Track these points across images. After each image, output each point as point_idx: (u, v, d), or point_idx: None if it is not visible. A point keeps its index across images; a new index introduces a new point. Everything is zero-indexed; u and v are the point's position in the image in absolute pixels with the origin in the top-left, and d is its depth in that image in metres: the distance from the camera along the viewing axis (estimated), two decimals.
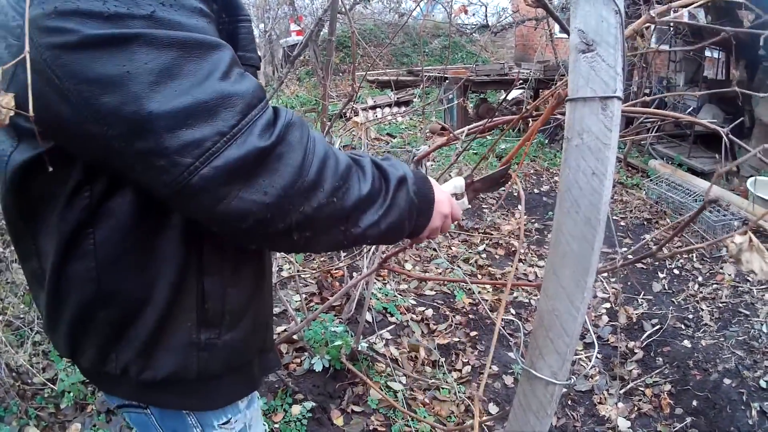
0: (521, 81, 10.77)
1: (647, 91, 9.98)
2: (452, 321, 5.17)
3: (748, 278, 5.94)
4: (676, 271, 6.34)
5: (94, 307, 1.35)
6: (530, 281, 6.07)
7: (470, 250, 6.55)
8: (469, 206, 1.80)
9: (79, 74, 1.04)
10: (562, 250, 1.20)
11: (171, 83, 1.06)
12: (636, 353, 5.00)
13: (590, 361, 4.85)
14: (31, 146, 1.22)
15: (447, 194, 1.63)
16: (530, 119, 1.92)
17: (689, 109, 10.09)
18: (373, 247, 3.97)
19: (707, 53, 10.66)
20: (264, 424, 2.14)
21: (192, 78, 1.08)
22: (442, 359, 4.58)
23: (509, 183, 1.81)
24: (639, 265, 6.44)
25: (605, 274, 6.08)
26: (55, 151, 1.18)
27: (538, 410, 1.37)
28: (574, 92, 1.14)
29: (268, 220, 1.17)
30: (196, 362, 1.44)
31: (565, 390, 4.38)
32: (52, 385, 3.64)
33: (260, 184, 1.13)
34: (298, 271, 4.82)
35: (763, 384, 4.35)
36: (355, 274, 5.07)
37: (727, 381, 4.41)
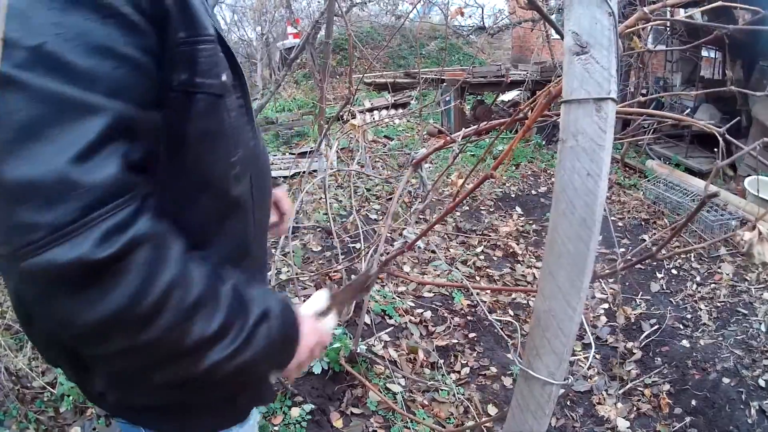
0: (510, 82, 10.79)
1: (644, 91, 9.98)
2: (451, 323, 5.18)
3: (746, 278, 5.95)
4: (674, 271, 6.34)
5: (59, 337, 1.29)
6: (529, 282, 6.08)
7: (468, 252, 6.55)
8: (338, 321, 1.70)
9: None
10: (557, 251, 1.21)
11: (30, 145, 0.92)
12: (635, 353, 5.01)
13: (588, 362, 4.85)
14: None
15: (312, 323, 1.51)
16: (525, 121, 1.93)
17: (686, 110, 10.09)
18: (372, 250, 3.96)
19: (704, 53, 10.67)
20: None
21: (51, 146, 0.93)
22: (441, 361, 4.58)
23: (495, 182, 1.82)
24: (637, 265, 6.44)
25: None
26: None
27: (536, 410, 1.38)
28: (568, 94, 1.14)
29: (87, 338, 1.05)
30: (176, 398, 1.39)
31: (563, 390, 4.39)
32: (51, 389, 3.65)
33: (84, 298, 0.98)
34: (296, 274, 4.83)
35: (761, 383, 4.36)
36: (353, 276, 5.07)
37: (725, 380, 4.41)
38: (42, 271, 0.93)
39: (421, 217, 6.83)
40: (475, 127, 2.14)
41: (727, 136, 1.67)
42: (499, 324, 5.18)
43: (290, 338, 1.38)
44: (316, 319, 1.55)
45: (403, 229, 4.51)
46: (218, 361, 1.16)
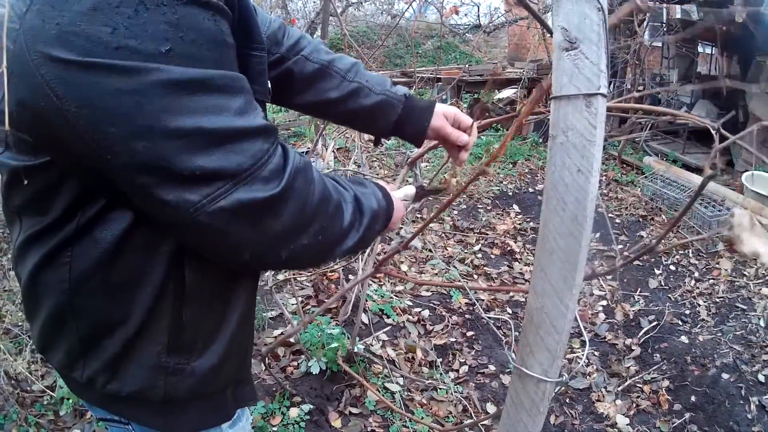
0: (507, 80, 10.79)
1: (641, 87, 9.99)
2: (448, 321, 5.18)
3: (745, 273, 5.95)
4: (673, 267, 6.34)
5: (63, 316, 1.35)
6: (526, 280, 6.08)
7: (466, 251, 6.55)
8: (415, 205, 1.96)
9: (82, 98, 0.99)
10: (549, 248, 1.20)
11: (185, 119, 1.02)
12: (633, 350, 5.01)
13: (587, 359, 4.85)
14: (24, 156, 1.20)
15: (400, 204, 1.70)
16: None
17: (683, 106, 10.11)
18: (368, 249, 3.96)
19: (700, 49, 10.68)
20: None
21: (206, 115, 1.04)
22: (439, 360, 4.58)
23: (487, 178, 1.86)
24: (635, 261, 6.45)
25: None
26: (48, 166, 1.18)
27: (531, 408, 1.37)
28: (558, 90, 1.14)
29: (262, 254, 1.21)
30: (163, 385, 1.42)
31: (562, 388, 4.39)
32: (51, 393, 3.65)
33: (262, 225, 1.15)
34: (293, 274, 4.82)
35: (761, 378, 4.37)
36: (350, 276, 5.08)
37: (725, 376, 4.42)
38: (228, 213, 1.08)
39: (418, 216, 6.83)
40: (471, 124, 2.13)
41: (722, 131, 1.67)
42: (496, 322, 5.17)
43: (389, 216, 1.60)
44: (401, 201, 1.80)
45: (400, 228, 4.51)
46: (348, 248, 1.41)
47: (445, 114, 1.95)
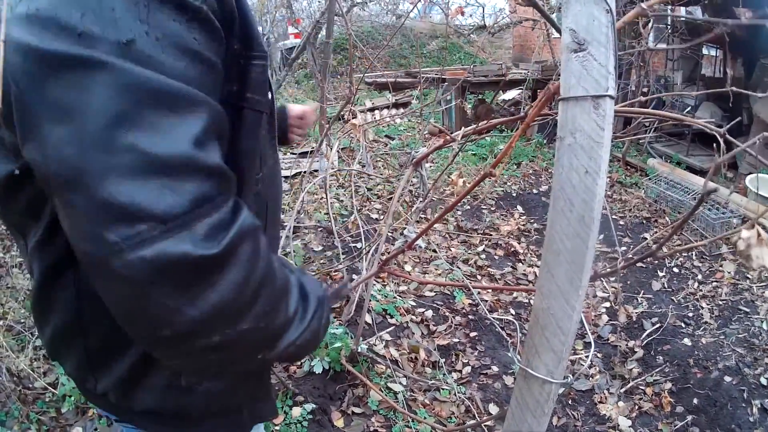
0: (511, 81, 10.78)
1: (645, 89, 9.97)
2: (452, 322, 5.18)
3: (748, 275, 5.95)
4: (676, 270, 6.34)
5: (72, 334, 1.31)
6: (530, 281, 6.08)
7: (469, 251, 6.55)
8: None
9: (36, 89, 0.90)
10: (556, 249, 1.20)
11: (126, 133, 0.88)
12: (636, 352, 5.01)
13: (590, 361, 4.85)
14: (8, 159, 1.11)
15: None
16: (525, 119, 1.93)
17: (687, 108, 10.09)
18: (373, 249, 3.96)
19: (705, 51, 10.67)
20: None
21: (151, 134, 0.90)
22: (442, 360, 4.58)
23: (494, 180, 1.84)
24: (638, 264, 6.45)
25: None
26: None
27: (535, 409, 1.37)
28: (566, 91, 1.14)
29: (189, 335, 1.00)
30: (173, 404, 1.39)
31: (564, 389, 4.39)
32: (53, 390, 3.65)
33: (192, 293, 0.95)
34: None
35: (763, 381, 4.36)
36: (354, 276, 5.07)
37: (727, 379, 4.41)
38: (149, 266, 0.89)
39: (422, 216, 6.83)
40: (475, 126, 2.14)
41: (727, 136, 1.67)
42: (499, 323, 5.17)
43: (328, 322, 1.39)
44: None
45: (404, 228, 4.51)
46: (291, 341, 1.19)
47: (296, 113, 2.30)
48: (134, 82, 0.89)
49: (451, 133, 2.46)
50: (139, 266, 0.88)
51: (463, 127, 2.58)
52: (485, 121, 2.25)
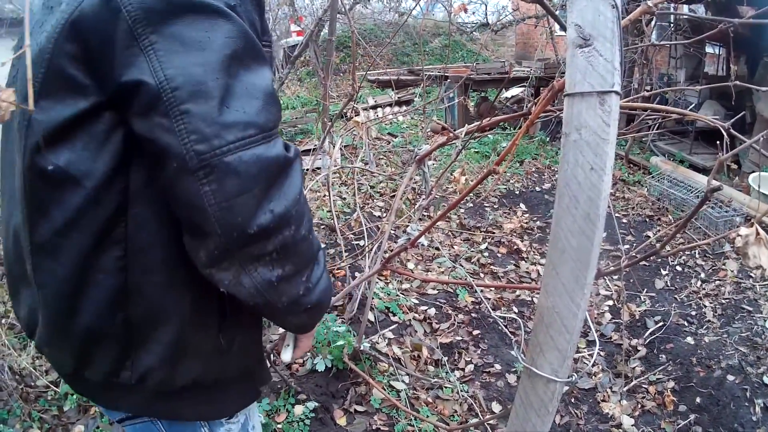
0: (514, 78, 10.77)
1: (648, 87, 9.95)
2: (455, 320, 5.17)
3: (751, 274, 5.93)
4: (679, 268, 6.33)
5: (115, 306, 1.32)
6: (533, 279, 6.07)
7: (472, 249, 6.54)
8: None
9: (162, 24, 1.11)
10: (561, 247, 1.20)
11: (242, 65, 1.17)
12: (639, 350, 5.00)
13: (592, 359, 4.84)
14: (69, 100, 1.20)
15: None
16: (529, 116, 1.92)
17: (690, 106, 10.08)
18: (375, 246, 3.95)
19: (708, 49, 10.65)
20: (259, 415, 2.14)
21: (258, 72, 1.20)
22: (445, 358, 4.58)
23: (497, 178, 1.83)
24: (641, 262, 6.43)
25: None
26: (97, 110, 1.21)
27: (540, 408, 1.37)
28: (571, 87, 1.13)
29: (267, 230, 1.18)
30: (217, 367, 1.46)
31: (568, 388, 4.38)
32: (55, 388, 3.64)
33: (276, 190, 1.19)
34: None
35: (766, 380, 4.35)
36: (357, 273, 5.07)
37: (730, 377, 4.40)
38: (257, 161, 1.14)
39: (425, 213, 6.82)
40: (478, 123, 2.14)
41: (731, 130, 1.66)
42: (503, 321, 5.16)
43: (327, 305, 1.52)
44: None
45: (407, 226, 4.51)
46: (318, 280, 1.39)
47: None
48: (243, 32, 1.18)
49: (454, 131, 2.45)
50: (248, 161, 1.13)
51: (466, 125, 2.57)
52: (488, 119, 2.24)
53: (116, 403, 1.54)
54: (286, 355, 1.72)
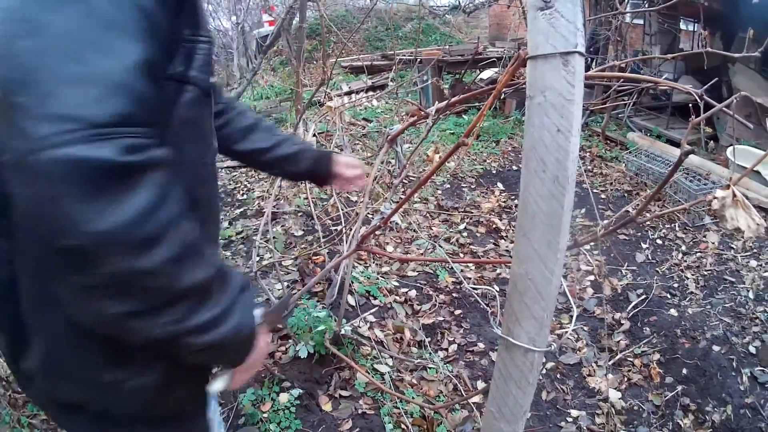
0: (488, 60, 10.79)
1: (623, 65, 9.99)
2: (436, 300, 5.17)
3: (732, 245, 5.98)
4: (659, 241, 6.36)
5: (4, 296, 1.31)
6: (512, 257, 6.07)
7: (451, 230, 6.54)
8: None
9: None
10: (531, 211, 1.18)
11: (79, 56, 1.02)
12: (623, 324, 5.02)
13: (576, 335, 4.85)
14: None
15: (264, 332, 1.48)
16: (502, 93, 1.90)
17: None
18: (352, 231, 3.94)
19: (682, 26, 10.68)
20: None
21: (100, 53, 1.04)
22: (428, 339, 4.57)
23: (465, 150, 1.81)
24: (621, 236, 6.46)
25: (588, 247, 6.08)
26: None
27: (519, 379, 1.35)
28: (533, 50, 1.12)
29: (89, 251, 1.02)
30: (98, 400, 1.39)
31: (552, 363, 4.38)
32: None
33: (99, 204, 1.00)
34: (279, 259, 4.80)
35: (752, 350, 4.38)
36: (318, 270, 5.06)
37: (716, 348, 4.42)
38: (70, 163, 0.96)
39: (401, 193, 6.82)
40: (447, 100, 2.13)
41: (705, 97, 1.65)
42: (481, 296, 5.15)
43: (254, 332, 1.36)
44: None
45: (381, 203, 4.50)
46: (200, 324, 1.17)
47: (344, 161, 2.37)
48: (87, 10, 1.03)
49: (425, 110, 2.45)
50: (60, 162, 0.96)
51: (437, 104, 2.57)
52: (458, 96, 2.25)
53: (23, 386, 1.57)
54: (216, 385, 1.50)
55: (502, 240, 6.49)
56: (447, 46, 12.91)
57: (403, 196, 6.87)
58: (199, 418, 1.65)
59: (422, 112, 2.49)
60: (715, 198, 1.33)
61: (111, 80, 1.02)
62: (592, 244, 1.68)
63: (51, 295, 1.19)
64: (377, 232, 5.91)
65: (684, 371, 4.34)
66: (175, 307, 1.14)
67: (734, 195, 1.33)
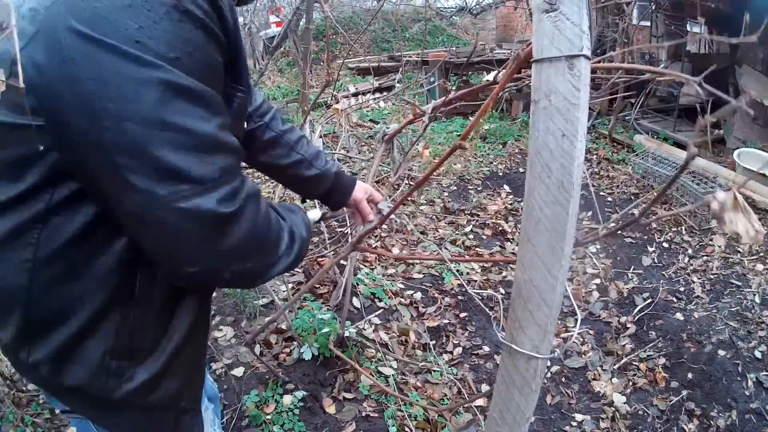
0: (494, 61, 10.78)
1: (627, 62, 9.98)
2: (441, 303, 5.16)
3: (739, 249, 5.95)
4: (666, 245, 6.34)
5: (16, 299, 1.34)
6: None
7: (457, 232, 6.53)
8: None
9: (94, 71, 1.08)
10: (535, 217, 1.17)
11: (176, 117, 1.12)
12: (628, 328, 5.00)
13: (581, 338, 4.84)
14: (15, 114, 1.20)
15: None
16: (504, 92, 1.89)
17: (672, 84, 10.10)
18: (354, 231, 3.93)
19: (689, 28, 10.66)
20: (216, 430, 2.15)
21: (195, 120, 1.15)
22: (433, 342, 4.57)
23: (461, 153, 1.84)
24: (628, 239, 6.46)
25: (594, 250, 6.08)
26: (37, 129, 1.19)
27: (522, 386, 1.34)
28: (538, 53, 1.11)
29: (209, 270, 1.28)
30: (102, 385, 1.44)
31: (557, 367, 4.37)
32: None
33: (214, 239, 1.23)
34: None
35: (758, 354, 4.35)
36: (342, 261, 5.05)
37: (721, 352, 4.40)
38: (186, 214, 1.15)
39: (399, 188, 6.81)
40: (443, 98, 2.14)
41: (705, 85, 1.63)
42: (488, 302, 5.14)
43: (309, 241, 1.70)
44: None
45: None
46: (280, 270, 1.52)
47: (365, 190, 2.40)
48: (181, 83, 1.13)
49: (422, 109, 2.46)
50: (181, 214, 1.15)
51: (448, 107, 2.56)
52: (456, 93, 2.25)
53: (24, 375, 1.58)
54: (312, 214, 2.10)
55: (509, 242, 6.48)
56: (454, 48, 12.88)
57: (412, 200, 6.87)
58: (191, 412, 1.73)
59: (418, 111, 2.49)
60: (714, 199, 1.32)
61: (209, 144, 1.18)
62: (598, 246, 1.67)
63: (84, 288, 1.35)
64: (383, 234, 5.91)
65: (689, 376, 4.33)
66: (269, 271, 1.49)
67: (735, 198, 1.31)
